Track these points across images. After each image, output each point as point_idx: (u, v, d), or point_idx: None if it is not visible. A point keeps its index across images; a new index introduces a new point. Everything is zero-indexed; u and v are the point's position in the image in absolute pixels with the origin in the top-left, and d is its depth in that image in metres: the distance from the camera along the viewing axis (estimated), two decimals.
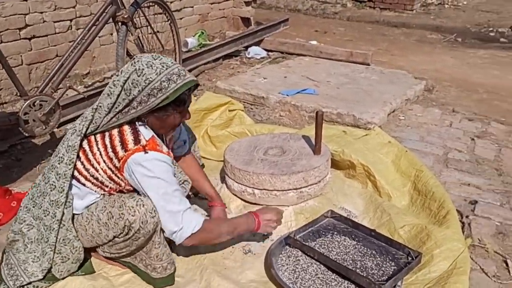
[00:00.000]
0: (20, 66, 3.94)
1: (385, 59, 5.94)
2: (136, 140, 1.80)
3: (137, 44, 3.44)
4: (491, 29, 8.09)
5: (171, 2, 5.41)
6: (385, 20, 8.74)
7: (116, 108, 1.78)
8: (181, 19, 5.68)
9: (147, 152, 1.78)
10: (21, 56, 3.93)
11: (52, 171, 1.87)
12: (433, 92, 4.64)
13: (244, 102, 3.92)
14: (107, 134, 1.84)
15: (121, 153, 1.79)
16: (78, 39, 3.08)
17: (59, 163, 1.85)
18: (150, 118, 1.84)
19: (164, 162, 1.82)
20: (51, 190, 1.86)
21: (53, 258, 1.91)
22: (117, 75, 1.79)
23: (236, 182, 2.47)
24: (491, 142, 3.54)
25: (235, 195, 2.51)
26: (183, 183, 2.20)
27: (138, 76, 1.73)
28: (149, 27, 3.67)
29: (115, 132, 1.83)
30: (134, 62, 1.77)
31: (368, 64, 5.15)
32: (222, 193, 2.58)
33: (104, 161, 1.83)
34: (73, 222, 1.93)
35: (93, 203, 1.93)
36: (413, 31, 7.91)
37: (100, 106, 1.80)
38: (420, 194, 2.61)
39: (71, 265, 1.97)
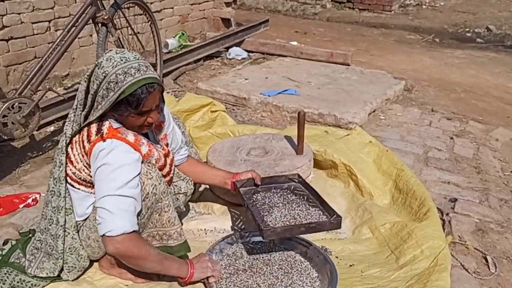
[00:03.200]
0: None
1: (364, 60, 6.00)
2: (99, 131, 1.77)
3: (117, 45, 3.41)
4: (467, 29, 8.24)
5: (151, 3, 5.38)
6: (364, 20, 8.84)
7: (87, 104, 1.78)
8: (161, 20, 5.65)
9: (105, 140, 1.73)
10: None
11: (51, 177, 1.88)
12: (413, 92, 4.71)
13: (226, 103, 3.92)
14: (81, 132, 1.82)
15: (87, 147, 1.78)
16: (57, 40, 3.03)
17: (54, 168, 1.86)
18: (113, 116, 1.79)
19: (120, 150, 1.74)
20: (52, 197, 1.87)
21: (62, 266, 1.93)
22: (87, 71, 1.80)
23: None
24: (470, 141, 3.60)
25: (219, 196, 2.50)
26: (176, 194, 2.15)
27: (98, 69, 1.72)
28: (129, 28, 3.64)
29: (85, 129, 1.81)
30: (99, 58, 1.77)
31: (348, 65, 5.20)
32: (205, 194, 2.58)
33: (80, 160, 1.82)
34: (78, 232, 1.92)
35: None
36: (392, 32, 8.01)
37: (76, 105, 1.81)
38: (401, 193, 2.65)
39: (77, 273, 1.98)
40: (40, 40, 4.17)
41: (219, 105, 3.34)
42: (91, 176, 1.81)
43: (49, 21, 4.24)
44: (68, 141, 1.84)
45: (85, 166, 1.82)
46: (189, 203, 2.54)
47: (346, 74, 4.81)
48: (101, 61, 1.72)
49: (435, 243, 2.16)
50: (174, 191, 2.14)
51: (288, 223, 1.97)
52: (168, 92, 4.19)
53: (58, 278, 1.98)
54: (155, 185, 1.83)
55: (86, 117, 1.81)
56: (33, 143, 3.31)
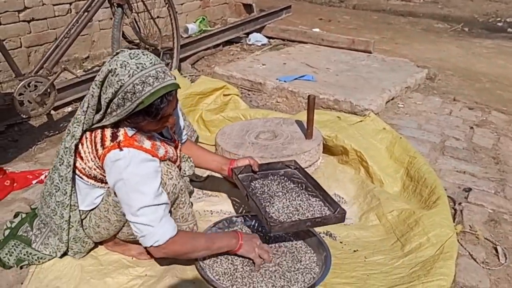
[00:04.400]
0: (19, 48, 3.95)
1: (388, 48, 5.88)
2: (114, 137, 1.71)
3: (133, 27, 3.43)
4: (499, 19, 7.98)
5: None
6: (391, 8, 8.66)
7: (100, 109, 1.71)
8: (182, 4, 5.65)
9: (122, 149, 1.67)
10: (20, 38, 3.94)
11: (56, 172, 1.86)
12: (435, 81, 4.59)
13: (241, 88, 3.91)
14: (94, 132, 1.77)
15: (100, 150, 1.73)
16: (73, 20, 3.07)
17: (60, 165, 1.82)
18: (130, 123, 1.72)
19: (139, 160, 1.69)
20: (56, 191, 1.86)
21: (67, 251, 1.97)
22: (98, 75, 1.69)
23: None
24: (490, 131, 3.50)
25: (226, 179, 2.50)
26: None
27: (112, 77, 1.61)
28: (146, 12, 3.66)
29: (99, 130, 1.76)
30: (111, 61, 1.64)
31: (370, 52, 5.10)
32: (213, 176, 2.59)
33: (92, 159, 1.79)
34: (82, 225, 1.94)
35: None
36: (419, 20, 7.83)
37: (87, 107, 1.73)
38: (412, 180, 2.59)
39: (82, 255, 2.02)
40: (61, 22, 4.22)
41: (232, 88, 3.33)
42: (104, 176, 1.78)
43: (70, 3, 4.30)
44: (77, 143, 1.78)
45: (97, 167, 1.78)
46: (198, 184, 2.55)
47: (366, 62, 4.73)
48: (115, 68, 1.60)
49: (442, 231, 2.11)
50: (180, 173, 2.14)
51: (291, 214, 1.95)
52: (185, 77, 4.20)
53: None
54: (175, 184, 1.83)
55: (99, 121, 1.75)
56: (50, 122, 3.38)
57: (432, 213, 2.22)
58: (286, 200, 2.03)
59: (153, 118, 1.65)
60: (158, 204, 1.70)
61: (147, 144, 1.75)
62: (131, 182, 1.67)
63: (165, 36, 4.03)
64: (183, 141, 2.22)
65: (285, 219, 1.90)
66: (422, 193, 2.47)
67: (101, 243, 2.09)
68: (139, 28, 3.57)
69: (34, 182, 2.59)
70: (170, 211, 1.89)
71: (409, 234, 2.17)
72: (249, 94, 3.90)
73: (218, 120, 3.11)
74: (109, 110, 1.68)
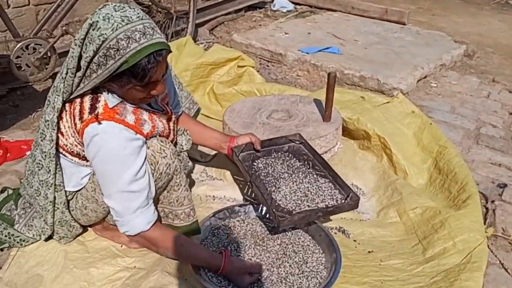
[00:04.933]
0: (27, 6, 3.73)
1: (424, 19, 5.47)
2: (92, 108, 1.52)
3: None
4: None
5: None
6: None
7: (79, 71, 1.49)
8: None
9: (100, 123, 1.49)
10: None
11: (37, 148, 1.67)
12: (473, 58, 4.22)
13: (260, 58, 3.64)
14: (73, 104, 1.57)
15: (78, 125, 1.54)
16: None
17: (42, 140, 1.63)
18: (112, 86, 1.50)
19: (119, 138, 1.51)
20: (39, 170, 1.67)
21: (52, 235, 1.82)
22: (79, 32, 1.46)
23: None
24: None
25: (232, 161, 2.28)
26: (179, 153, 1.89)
27: (93, 31, 1.38)
28: None
29: (77, 101, 1.55)
30: (93, 15, 1.43)
31: (404, 24, 4.73)
32: (218, 157, 2.37)
33: (72, 135, 1.60)
34: (68, 206, 1.77)
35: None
36: None
37: (66, 72, 1.51)
38: (441, 173, 2.32)
39: (68, 240, 1.86)
40: None
41: (248, 59, 3.06)
42: (84, 152, 1.60)
43: None
44: (59, 115, 1.58)
45: (78, 143, 1.60)
46: (201, 165, 2.34)
47: (399, 34, 4.36)
48: (97, 20, 1.38)
49: (471, 236, 1.86)
50: (177, 149, 1.91)
51: (299, 201, 1.75)
52: (201, 43, 3.94)
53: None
54: (169, 164, 1.63)
55: (77, 86, 1.54)
56: None
57: (460, 214, 1.96)
58: (293, 183, 1.83)
59: (140, 81, 1.44)
60: (134, 191, 1.54)
61: (130, 118, 1.55)
62: (108, 162, 1.52)
63: None
64: (178, 113, 1.98)
65: (293, 208, 1.72)
66: (451, 189, 2.20)
67: (90, 226, 1.92)
68: None
69: (27, 153, 2.42)
70: (164, 194, 1.73)
71: (432, 237, 1.93)
72: (268, 66, 3.63)
73: (230, 93, 2.87)
74: (88, 71, 1.46)
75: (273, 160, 1.95)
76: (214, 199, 2.16)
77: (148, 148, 1.60)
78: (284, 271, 1.69)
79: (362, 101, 2.67)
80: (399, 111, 2.70)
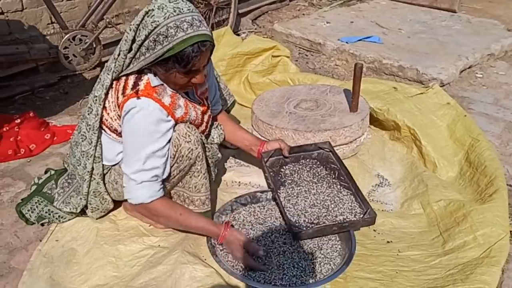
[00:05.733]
0: None
1: (480, 6, 5.23)
2: (135, 85, 1.65)
3: None
4: None
5: None
6: None
7: (130, 53, 1.63)
8: None
9: (139, 98, 1.61)
10: None
11: (83, 121, 1.83)
12: None
13: (299, 47, 3.65)
14: (119, 81, 1.71)
15: (120, 99, 1.67)
16: None
17: (88, 114, 1.79)
18: (158, 70, 1.64)
19: (152, 117, 1.63)
20: (82, 141, 1.83)
21: (86, 205, 1.96)
22: (135, 19, 1.62)
23: (260, 135, 2.31)
24: None
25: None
26: (209, 144, 1.99)
27: (148, 18, 1.54)
28: None
29: (123, 78, 1.70)
30: (149, 4, 1.58)
31: (455, 11, 4.56)
32: None
33: (113, 109, 1.74)
34: (104, 178, 1.91)
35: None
36: None
37: (119, 53, 1.66)
38: (471, 166, 2.27)
39: (100, 214, 2.01)
40: None
41: (283, 49, 3.09)
42: (121, 128, 1.74)
43: None
44: (106, 92, 1.73)
45: (117, 117, 1.74)
46: (231, 151, 2.42)
47: (448, 22, 4.22)
48: (152, 9, 1.54)
49: (493, 230, 1.83)
50: (208, 141, 2.01)
51: (318, 213, 1.81)
52: (244, 33, 4.01)
53: (83, 213, 2.01)
54: (192, 149, 1.73)
55: (127, 67, 1.68)
56: None
57: (484, 208, 1.93)
58: (315, 194, 1.87)
59: (183, 67, 1.56)
60: (150, 168, 1.66)
61: (167, 99, 1.68)
62: (133, 133, 1.65)
63: None
64: (217, 110, 2.10)
65: (312, 220, 1.77)
66: (480, 183, 2.16)
67: (121, 205, 2.06)
68: None
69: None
70: (183, 178, 1.83)
71: (454, 230, 1.91)
72: (306, 55, 3.64)
73: (264, 83, 2.92)
74: (138, 54, 1.62)
75: (300, 167, 1.99)
76: (239, 185, 2.24)
77: (174, 131, 1.71)
78: (297, 256, 1.75)
79: (394, 92, 2.64)
80: (434, 102, 2.65)
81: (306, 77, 2.86)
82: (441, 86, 3.04)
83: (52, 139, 2.60)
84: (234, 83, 3.02)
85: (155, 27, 1.52)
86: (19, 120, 2.62)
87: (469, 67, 3.48)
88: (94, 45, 2.86)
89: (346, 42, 3.57)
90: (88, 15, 2.87)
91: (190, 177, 1.83)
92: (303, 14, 4.59)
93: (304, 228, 1.74)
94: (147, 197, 1.68)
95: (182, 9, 1.54)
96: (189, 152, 1.74)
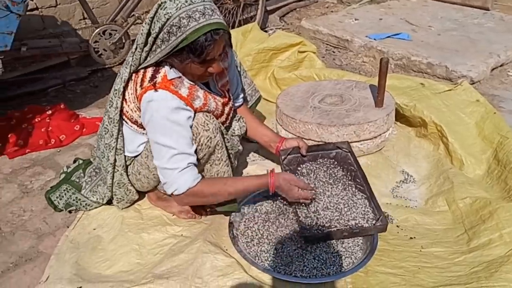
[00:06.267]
0: None
1: None
2: (152, 77, 1.67)
3: None
4: None
5: None
6: None
7: (146, 46, 1.67)
8: None
9: (157, 91, 1.64)
10: None
11: (106, 114, 1.88)
12: None
13: (327, 44, 3.63)
14: (137, 73, 1.74)
15: (138, 91, 1.70)
16: None
17: (109, 107, 1.84)
18: (174, 62, 1.66)
19: (171, 106, 1.64)
20: (105, 134, 1.89)
21: (111, 197, 2.01)
22: (150, 12, 1.65)
23: (284, 129, 2.32)
24: None
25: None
26: (231, 136, 2.00)
27: (161, 10, 1.57)
28: None
29: (141, 71, 1.72)
30: None
31: (488, 9, 4.45)
32: None
33: (133, 101, 1.77)
34: (127, 170, 1.95)
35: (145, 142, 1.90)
36: None
37: (136, 47, 1.70)
38: (499, 164, 2.22)
39: (125, 204, 2.05)
40: None
41: (309, 45, 3.08)
42: (141, 119, 1.76)
43: None
44: (125, 85, 1.77)
45: (137, 109, 1.77)
46: (254, 146, 2.43)
47: (480, 20, 4.13)
48: (165, 1, 1.57)
49: None
50: (228, 133, 2.03)
51: (331, 217, 1.78)
52: (271, 30, 4.02)
53: (109, 203, 2.06)
54: (211, 137, 1.75)
55: (145, 60, 1.71)
56: None
57: (511, 206, 1.88)
58: (330, 197, 1.84)
59: (197, 56, 1.58)
60: (182, 153, 1.66)
61: (184, 91, 1.69)
62: (160, 126, 1.66)
63: None
64: (238, 103, 2.12)
65: (324, 223, 1.75)
66: (508, 181, 2.11)
67: (145, 195, 2.10)
68: None
69: None
70: (205, 167, 1.84)
71: (479, 227, 1.87)
72: (333, 52, 3.62)
73: (290, 78, 2.92)
74: (154, 47, 1.65)
75: (317, 166, 1.96)
76: None
77: (193, 120, 1.73)
78: (319, 250, 1.75)
79: (421, 88, 2.60)
80: (462, 99, 2.60)
81: (332, 73, 2.85)
82: (471, 84, 2.98)
83: (81, 130, 2.68)
84: (260, 78, 3.03)
85: (168, 19, 1.55)
86: (50, 112, 2.70)
87: (500, 65, 3.40)
88: (124, 40, 2.93)
89: (374, 39, 3.54)
90: (118, 11, 2.93)
91: (211, 165, 1.85)
92: (332, 11, 4.57)
93: (315, 232, 1.73)
94: (192, 181, 1.67)
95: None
96: (208, 141, 1.75)
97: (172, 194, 1.70)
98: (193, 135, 1.72)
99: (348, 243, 1.78)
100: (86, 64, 3.34)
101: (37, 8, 3.59)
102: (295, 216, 1.82)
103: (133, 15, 3.20)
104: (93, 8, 3.88)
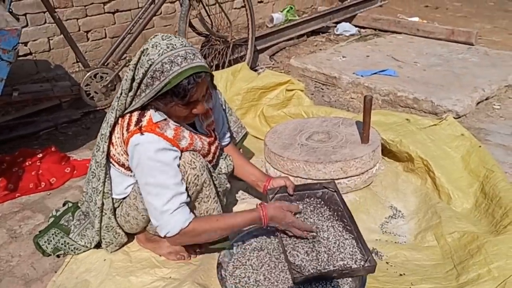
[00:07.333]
0: (104, 39, 4.13)
1: (499, 39, 5.23)
2: (138, 121, 1.70)
3: (200, 19, 3.39)
4: None
5: None
6: None
7: (131, 92, 1.71)
8: None
9: (143, 134, 1.67)
10: (104, 29, 4.12)
11: (93, 159, 1.90)
12: None
13: (315, 81, 3.71)
14: (124, 117, 1.77)
15: (125, 135, 1.73)
16: (140, 13, 3.11)
17: (96, 151, 1.87)
18: (159, 105, 1.70)
19: (158, 147, 1.67)
20: (92, 178, 1.91)
21: (99, 241, 2.01)
22: (133, 58, 1.71)
23: (272, 167, 2.34)
24: None
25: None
26: (217, 174, 2.02)
27: (144, 57, 1.63)
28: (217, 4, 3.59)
29: (127, 115, 1.76)
30: (145, 44, 1.67)
31: (472, 44, 4.57)
32: None
33: (120, 145, 1.80)
34: (115, 213, 1.96)
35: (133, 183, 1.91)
36: None
37: (121, 92, 1.74)
38: (486, 198, 2.23)
39: (114, 248, 2.05)
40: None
41: (297, 83, 3.14)
42: (128, 162, 1.79)
43: None
44: (111, 130, 1.80)
45: (124, 152, 1.79)
46: (243, 184, 2.45)
47: (464, 55, 4.23)
48: (147, 48, 1.63)
49: (507, 263, 1.78)
50: (215, 171, 2.05)
51: (319, 258, 1.76)
52: (261, 68, 4.10)
53: (98, 246, 2.06)
54: (198, 175, 1.77)
55: (130, 104, 1.75)
56: None
57: (498, 240, 1.88)
58: (319, 237, 1.83)
59: (181, 99, 1.63)
60: (172, 194, 1.67)
61: (170, 133, 1.72)
62: (148, 168, 1.68)
63: (244, 27, 3.91)
64: (225, 142, 2.15)
65: (312, 265, 1.73)
66: (495, 214, 2.12)
67: (134, 237, 2.10)
68: (210, 20, 3.53)
69: None
70: (193, 205, 1.85)
71: (468, 262, 1.86)
72: (322, 89, 3.69)
73: (279, 116, 2.96)
74: (138, 91, 1.69)
75: (304, 206, 1.96)
76: None
77: (179, 159, 1.75)
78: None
79: (407, 123, 2.64)
80: (448, 133, 2.64)
81: (320, 110, 2.90)
82: (457, 118, 3.03)
83: (72, 173, 2.69)
84: (250, 116, 3.08)
85: (150, 65, 1.60)
86: (41, 155, 2.72)
87: (486, 99, 3.46)
88: (115, 82, 2.98)
89: (361, 76, 3.61)
90: (109, 54, 3.00)
91: (199, 203, 1.86)
92: (320, 49, 4.67)
93: (305, 273, 1.72)
94: (183, 221, 1.67)
95: (175, 44, 1.62)
96: (195, 179, 1.77)
97: (165, 236, 1.70)
98: (181, 173, 1.74)
99: (337, 281, 1.77)
100: (79, 106, 3.39)
101: (30, 53, 3.67)
102: (285, 257, 1.82)
103: (125, 57, 3.27)
104: (86, 52, 3.98)
